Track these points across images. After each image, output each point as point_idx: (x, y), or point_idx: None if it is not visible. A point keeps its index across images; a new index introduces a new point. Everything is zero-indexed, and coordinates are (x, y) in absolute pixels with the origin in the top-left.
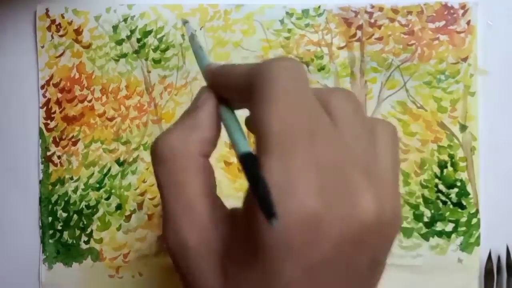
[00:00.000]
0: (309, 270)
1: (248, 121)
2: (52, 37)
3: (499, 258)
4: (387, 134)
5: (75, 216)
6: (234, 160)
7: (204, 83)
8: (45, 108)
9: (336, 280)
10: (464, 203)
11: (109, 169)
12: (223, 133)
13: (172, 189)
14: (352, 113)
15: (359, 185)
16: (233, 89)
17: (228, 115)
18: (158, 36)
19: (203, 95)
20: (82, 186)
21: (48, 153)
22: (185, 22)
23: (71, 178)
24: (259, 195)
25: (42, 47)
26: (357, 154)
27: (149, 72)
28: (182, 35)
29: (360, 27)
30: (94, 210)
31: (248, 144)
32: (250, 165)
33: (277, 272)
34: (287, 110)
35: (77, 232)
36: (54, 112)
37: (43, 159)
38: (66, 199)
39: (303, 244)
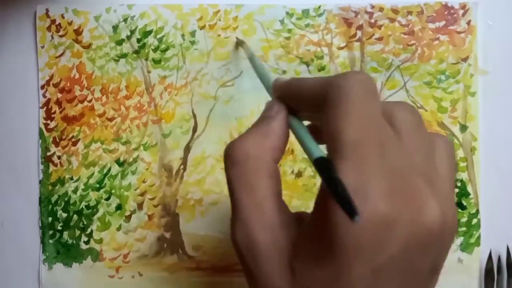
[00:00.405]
0: (377, 270)
1: (313, 130)
2: (52, 37)
3: (499, 258)
4: (445, 148)
5: (75, 216)
6: None
7: (205, 85)
8: (45, 108)
9: (399, 282)
10: (464, 203)
11: (109, 169)
12: (222, 131)
13: (244, 190)
14: (414, 126)
15: (424, 192)
16: (304, 99)
17: (298, 124)
18: (158, 36)
19: (275, 106)
20: (82, 186)
21: (48, 153)
22: (241, 43)
23: (71, 178)
24: (339, 194)
25: (42, 47)
26: (419, 164)
27: (149, 72)
28: (182, 35)
29: (360, 27)
30: (94, 210)
31: (320, 150)
32: (327, 168)
33: (347, 270)
34: (361, 121)
35: (77, 232)
36: (54, 112)
37: (43, 159)
38: (66, 199)
39: (373, 245)
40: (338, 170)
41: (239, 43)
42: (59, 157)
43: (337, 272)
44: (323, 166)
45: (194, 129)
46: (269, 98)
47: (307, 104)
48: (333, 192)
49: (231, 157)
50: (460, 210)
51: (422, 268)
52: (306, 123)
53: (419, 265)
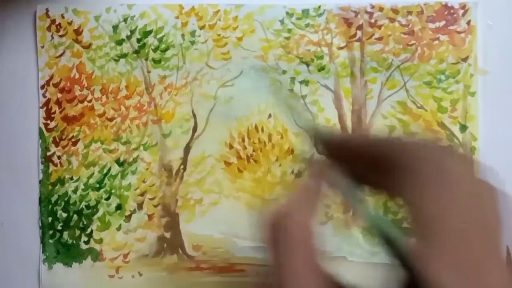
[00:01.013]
0: None
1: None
2: (52, 37)
3: None
4: (492, 196)
5: (75, 216)
6: (234, 160)
7: (205, 85)
8: (45, 108)
9: None
10: None
11: (109, 169)
12: (222, 131)
13: (290, 267)
14: (469, 179)
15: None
16: (364, 160)
17: (355, 193)
18: (158, 36)
19: (321, 169)
20: (82, 186)
21: (48, 153)
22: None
23: (71, 178)
24: None
25: (42, 47)
26: (487, 228)
27: (149, 72)
28: (182, 35)
29: (360, 27)
30: (94, 210)
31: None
32: (410, 260)
33: None
34: (466, 212)
35: (77, 232)
36: (54, 112)
37: (43, 159)
38: (66, 199)
39: None
40: (430, 263)
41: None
42: (59, 157)
43: None
44: (407, 258)
45: (194, 129)
46: (268, 98)
47: (365, 165)
48: None
49: (282, 229)
50: None
51: None
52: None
53: None
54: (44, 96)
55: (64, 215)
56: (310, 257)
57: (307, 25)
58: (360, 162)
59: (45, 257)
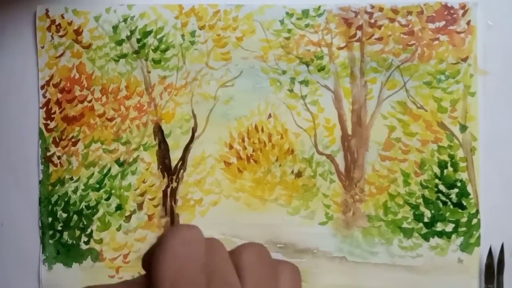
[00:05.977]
0: None
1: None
2: (52, 38)
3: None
4: (288, 272)
5: (75, 217)
6: (234, 160)
7: (205, 85)
8: (45, 108)
9: None
10: (464, 203)
11: (109, 170)
12: (222, 131)
13: None
14: (255, 261)
15: None
16: None
17: None
18: (158, 36)
19: None
20: (82, 187)
21: (48, 154)
22: None
23: (71, 179)
24: None
25: (42, 47)
26: None
27: (149, 72)
28: (182, 35)
29: (360, 27)
30: (94, 210)
31: None
32: None
33: None
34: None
35: (77, 232)
36: (54, 113)
37: (43, 160)
38: (66, 199)
39: None
40: None
41: None
42: (59, 157)
43: None
44: None
45: (194, 129)
46: (268, 98)
47: None
48: None
49: None
50: (460, 210)
51: None
52: None
53: None
54: (44, 96)
55: (64, 215)
56: None
57: (307, 25)
58: None
59: (45, 257)
